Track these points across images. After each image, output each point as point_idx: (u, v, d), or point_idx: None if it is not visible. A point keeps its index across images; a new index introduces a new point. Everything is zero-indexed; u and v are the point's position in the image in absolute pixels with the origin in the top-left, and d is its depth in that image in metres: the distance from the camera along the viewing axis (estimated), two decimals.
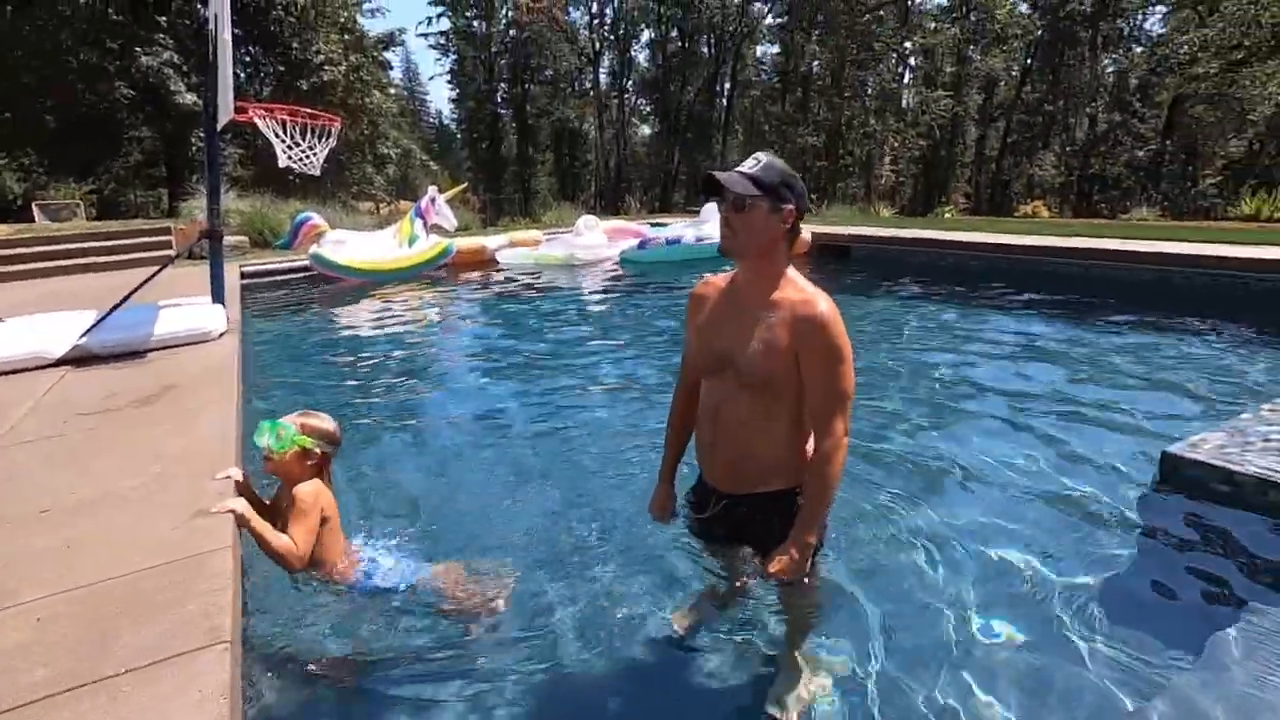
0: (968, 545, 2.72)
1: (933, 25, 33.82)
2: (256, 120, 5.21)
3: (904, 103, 35.41)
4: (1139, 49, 32.82)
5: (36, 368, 4.34)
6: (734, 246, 1.69)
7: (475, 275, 10.58)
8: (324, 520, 2.18)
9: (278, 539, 2.07)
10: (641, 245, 11.04)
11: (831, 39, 31.76)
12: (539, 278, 10.14)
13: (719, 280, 1.88)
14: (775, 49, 38.00)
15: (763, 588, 2.22)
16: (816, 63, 34.64)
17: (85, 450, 2.97)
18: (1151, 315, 6.38)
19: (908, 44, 34.49)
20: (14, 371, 4.27)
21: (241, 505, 2.09)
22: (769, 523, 1.82)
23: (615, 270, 10.67)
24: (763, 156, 1.68)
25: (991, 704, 1.95)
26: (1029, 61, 34.78)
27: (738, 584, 2.26)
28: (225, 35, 4.46)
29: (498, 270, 10.90)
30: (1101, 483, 3.20)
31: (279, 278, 9.83)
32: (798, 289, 1.70)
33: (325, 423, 2.28)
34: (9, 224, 13.96)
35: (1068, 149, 34.26)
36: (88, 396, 3.77)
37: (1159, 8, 31.18)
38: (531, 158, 42.78)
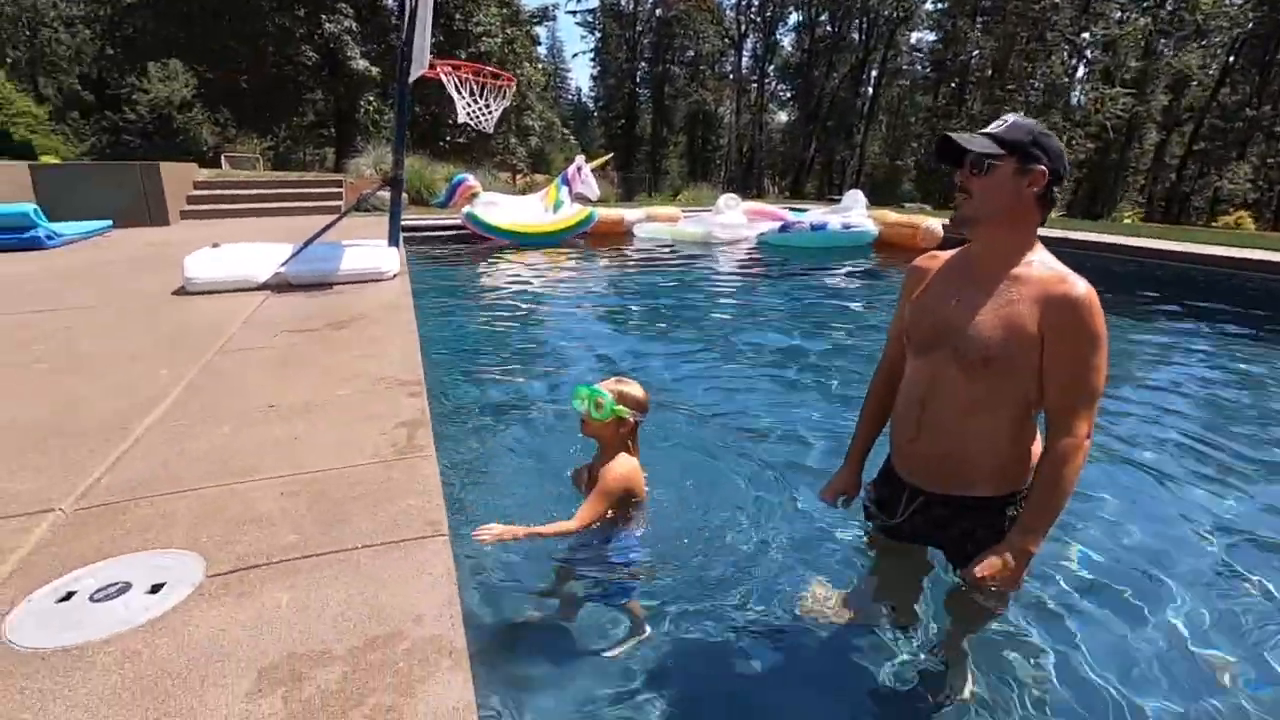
0: (1167, 565, 2.46)
1: (1119, 15, 30.65)
2: (442, 75, 5.50)
3: (1073, 99, 32.42)
4: None
5: (243, 290, 4.86)
6: (971, 213, 1.53)
7: (612, 246, 10.77)
8: (634, 500, 2.19)
9: (551, 529, 2.02)
10: (784, 229, 10.81)
11: (999, 26, 29.50)
12: (675, 252, 10.17)
13: (945, 255, 1.71)
14: (933, 36, 35.86)
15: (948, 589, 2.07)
16: (978, 52, 32.36)
17: (293, 361, 3.28)
18: None
19: (1085, 34, 31.43)
20: (227, 292, 4.79)
21: (497, 531, 1.93)
22: (971, 531, 1.67)
23: (753, 252, 10.52)
24: (1010, 116, 1.53)
25: None
26: (1231, 59, 30.79)
27: (914, 593, 2.09)
28: None
29: (634, 243, 11.03)
30: None
31: (431, 233, 10.46)
32: (1049, 266, 1.52)
33: (637, 390, 2.24)
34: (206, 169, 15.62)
35: (1269, 160, 30.14)
36: (289, 317, 4.16)
37: None
38: (665, 138, 42.97)
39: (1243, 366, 5.10)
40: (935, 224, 10.20)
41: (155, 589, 1.51)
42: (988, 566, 1.53)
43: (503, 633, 2.06)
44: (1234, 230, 13.69)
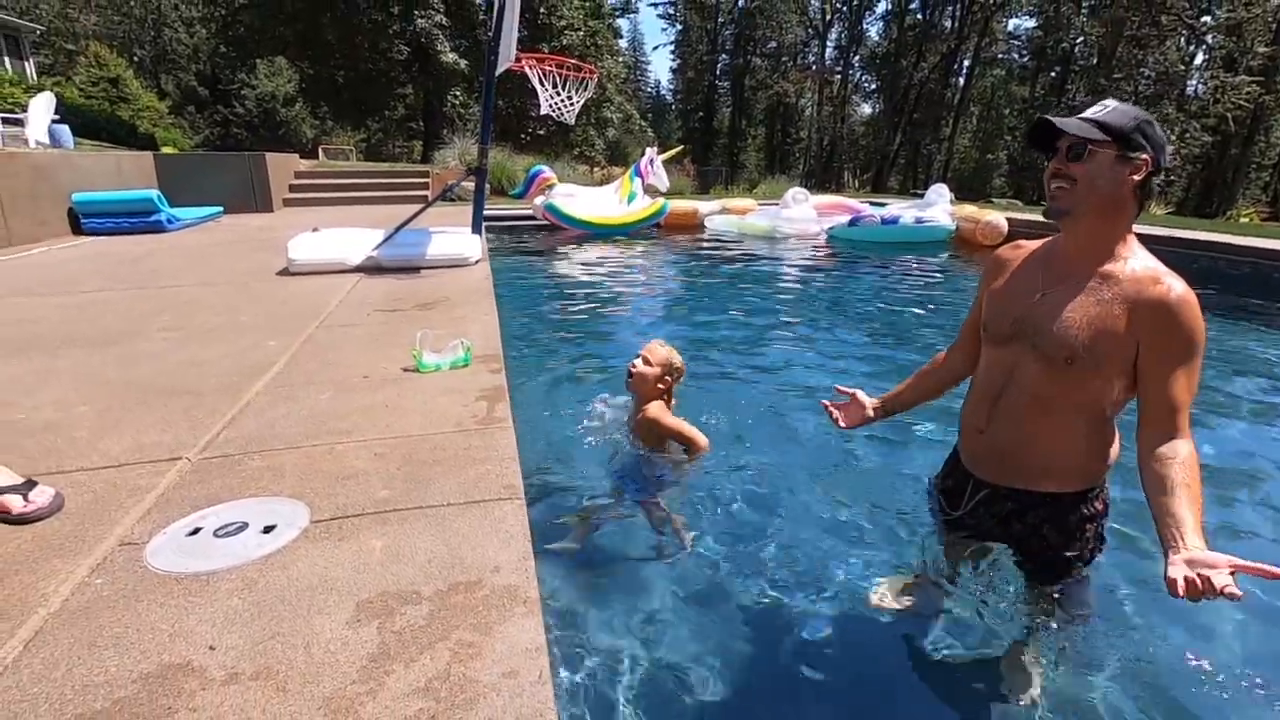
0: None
1: None
2: (527, 69, 5.68)
3: (1188, 89, 30.02)
4: None
5: (339, 271, 5.19)
6: (1065, 203, 1.45)
7: (684, 237, 10.79)
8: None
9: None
10: (853, 222, 10.57)
11: (1108, 10, 27.61)
12: (741, 245, 10.09)
13: (1031, 245, 1.66)
14: (1032, 21, 33.95)
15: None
16: (1083, 39, 30.42)
17: (385, 337, 3.50)
18: None
19: (1207, 18, 29.02)
20: (325, 273, 5.13)
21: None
22: (1037, 527, 1.64)
23: (822, 246, 10.32)
24: (1112, 101, 1.46)
25: None
26: None
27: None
28: None
29: (705, 235, 11.03)
30: None
31: (512, 223, 10.78)
32: (1144, 264, 1.45)
33: (676, 356, 2.73)
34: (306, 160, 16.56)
35: None
36: (381, 297, 4.43)
37: None
38: (743, 131, 42.50)
39: None
40: (997, 218, 9.75)
41: (268, 530, 1.69)
42: (1183, 584, 1.18)
43: (571, 589, 2.18)
44: None
